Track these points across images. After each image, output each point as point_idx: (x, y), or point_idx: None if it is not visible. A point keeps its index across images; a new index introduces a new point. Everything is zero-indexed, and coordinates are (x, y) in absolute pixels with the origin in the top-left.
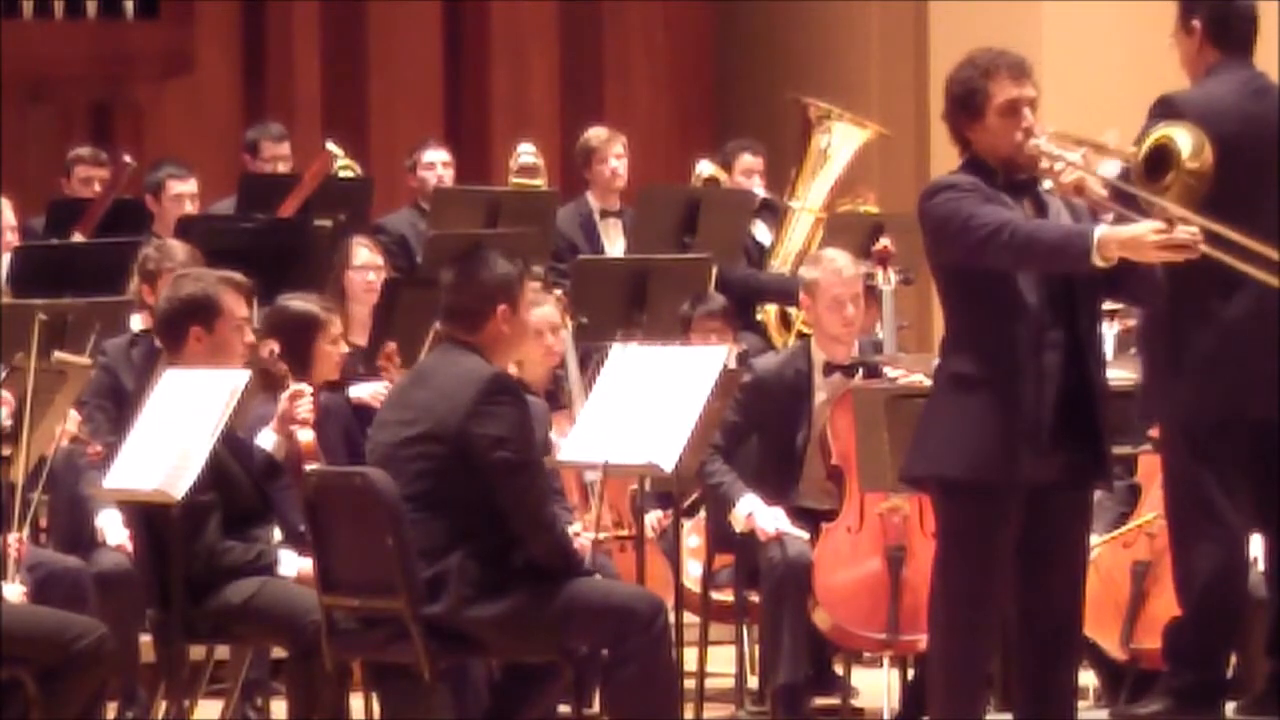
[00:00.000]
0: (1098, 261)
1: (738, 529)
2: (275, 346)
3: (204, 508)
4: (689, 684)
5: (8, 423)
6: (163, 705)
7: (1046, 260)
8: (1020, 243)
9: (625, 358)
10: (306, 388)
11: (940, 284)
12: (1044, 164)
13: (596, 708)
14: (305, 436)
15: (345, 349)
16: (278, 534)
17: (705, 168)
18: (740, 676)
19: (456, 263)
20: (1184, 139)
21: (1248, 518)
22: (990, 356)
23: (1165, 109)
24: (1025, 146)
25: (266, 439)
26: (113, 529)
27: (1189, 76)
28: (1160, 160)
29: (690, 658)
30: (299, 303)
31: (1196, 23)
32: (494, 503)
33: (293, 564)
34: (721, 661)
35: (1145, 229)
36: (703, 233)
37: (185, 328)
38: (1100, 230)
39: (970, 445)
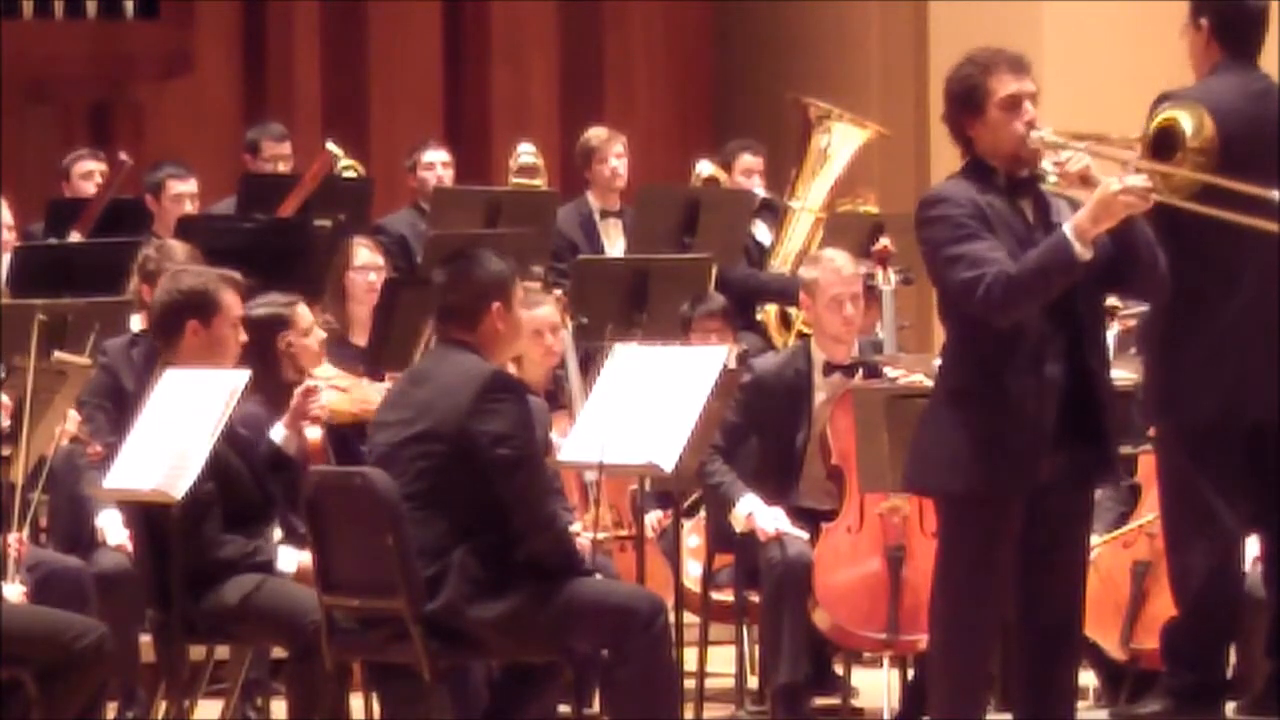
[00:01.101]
0: (1084, 254)
1: (738, 529)
2: (292, 338)
3: (204, 501)
4: (689, 684)
5: (7, 423)
6: (163, 705)
7: (1036, 290)
8: (1003, 293)
9: (625, 358)
10: (321, 384)
11: (939, 294)
12: (1049, 155)
13: (596, 708)
14: (313, 434)
15: (322, 335)
16: (278, 533)
17: (705, 168)
18: (740, 676)
19: (449, 263)
20: (1185, 118)
21: (1245, 519)
22: (990, 371)
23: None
24: (1028, 140)
25: (277, 433)
26: (113, 529)
27: (1195, 73)
28: (1166, 142)
29: (690, 658)
30: (260, 309)
31: (1204, 21)
32: (494, 500)
33: (292, 559)
34: (721, 661)
35: (1101, 189)
36: (703, 233)
37: (182, 321)
38: (1067, 224)
39: (972, 461)
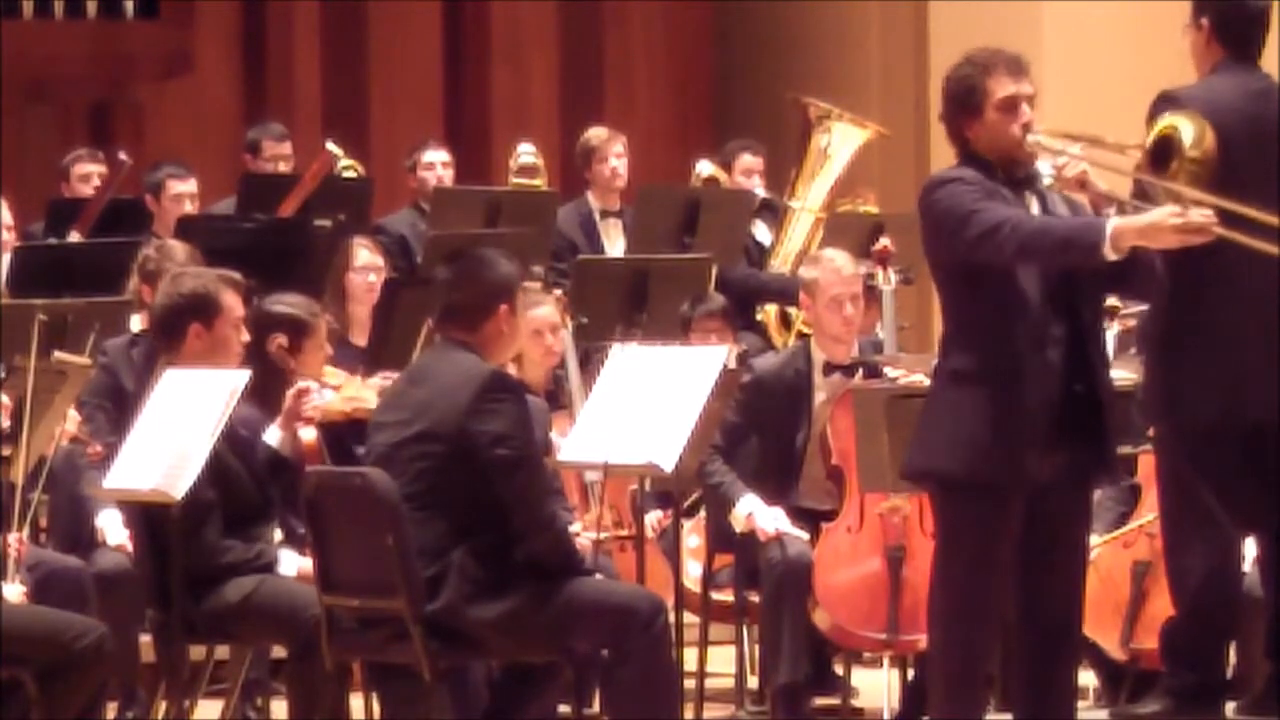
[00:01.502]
0: (1110, 254)
1: (738, 529)
2: (283, 340)
3: (204, 506)
4: (689, 684)
5: (7, 423)
6: (163, 705)
7: (1053, 255)
8: (1023, 238)
9: (625, 358)
10: (313, 384)
11: (939, 280)
12: (1046, 159)
13: (596, 708)
14: (307, 435)
15: (330, 350)
16: (279, 534)
17: (705, 168)
18: (740, 676)
19: (456, 261)
20: (1186, 128)
21: (1243, 520)
22: (991, 353)
23: (1167, 104)
24: (1025, 142)
25: (272, 436)
26: (113, 529)
27: (1197, 71)
28: (1165, 151)
29: (690, 658)
30: (283, 306)
31: (1204, 20)
32: (494, 500)
33: (293, 563)
34: (721, 661)
35: (1162, 214)
36: (703, 233)
37: (185, 325)
38: (1114, 221)
39: (971, 443)
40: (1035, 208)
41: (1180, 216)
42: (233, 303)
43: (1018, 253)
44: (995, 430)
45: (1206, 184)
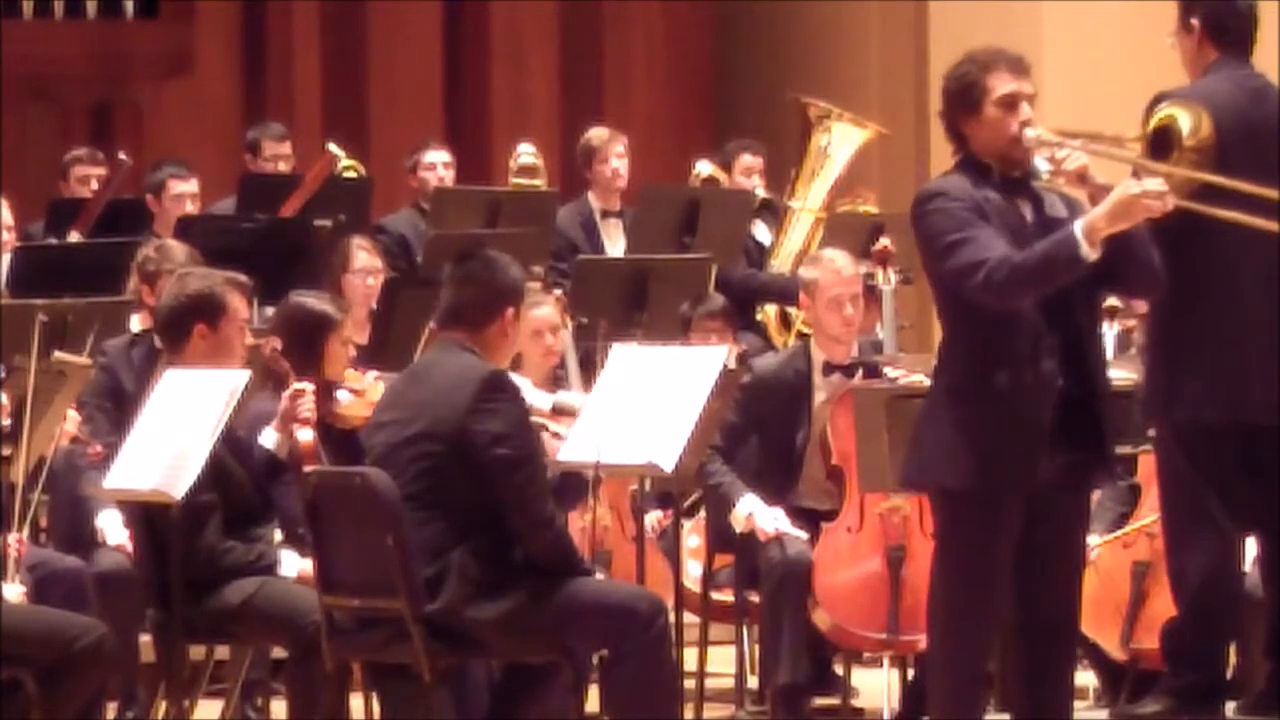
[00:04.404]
0: (1090, 254)
1: (738, 529)
2: (277, 344)
3: (204, 508)
4: (689, 684)
5: (7, 423)
6: (163, 705)
7: (1038, 280)
8: (1003, 279)
9: (625, 358)
10: (308, 386)
11: (935, 290)
12: (1045, 153)
13: (592, 708)
14: (305, 436)
15: (353, 350)
16: (279, 534)
17: (705, 168)
18: (740, 676)
19: (464, 262)
20: (1183, 117)
21: (1243, 521)
22: (987, 366)
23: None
24: (1023, 138)
25: (269, 437)
26: (113, 529)
27: (1189, 75)
28: (1164, 142)
29: (690, 658)
30: (313, 301)
31: (1195, 21)
32: (493, 500)
33: (293, 564)
34: (721, 661)
35: (1119, 192)
36: (703, 233)
37: (190, 325)
38: (1078, 223)
39: (970, 456)
40: (1029, 212)
41: (1137, 186)
42: (238, 304)
43: (1002, 292)
44: (994, 443)
45: (1207, 172)
